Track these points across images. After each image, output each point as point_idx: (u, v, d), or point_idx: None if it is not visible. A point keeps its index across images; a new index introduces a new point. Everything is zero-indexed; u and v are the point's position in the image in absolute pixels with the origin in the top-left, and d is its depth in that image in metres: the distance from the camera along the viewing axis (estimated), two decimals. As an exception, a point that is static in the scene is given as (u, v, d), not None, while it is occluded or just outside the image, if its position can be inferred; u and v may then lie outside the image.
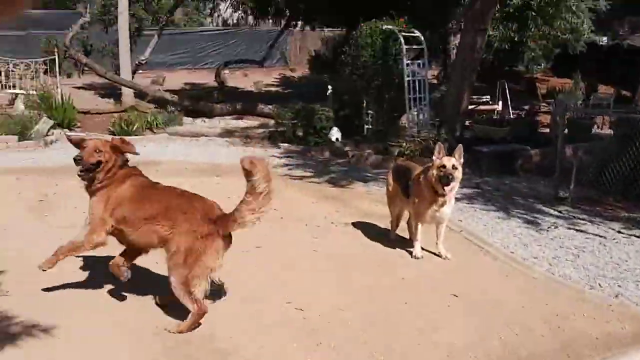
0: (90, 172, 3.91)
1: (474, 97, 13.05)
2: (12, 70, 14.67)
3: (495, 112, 14.69)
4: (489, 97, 15.51)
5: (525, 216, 6.78)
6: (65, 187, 7.40)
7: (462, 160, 5.01)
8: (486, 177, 9.23)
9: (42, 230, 5.71)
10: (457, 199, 7.50)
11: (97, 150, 3.94)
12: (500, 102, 15.24)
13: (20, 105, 12.74)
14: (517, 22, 13.76)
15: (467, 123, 11.59)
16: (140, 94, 15.55)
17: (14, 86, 14.46)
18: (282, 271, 4.85)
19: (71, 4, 28.02)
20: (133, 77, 16.65)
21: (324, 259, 5.17)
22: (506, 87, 15.35)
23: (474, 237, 5.91)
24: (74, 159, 3.91)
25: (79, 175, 3.92)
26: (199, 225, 3.74)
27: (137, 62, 17.17)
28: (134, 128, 12.12)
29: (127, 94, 15.84)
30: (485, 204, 7.40)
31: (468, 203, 7.39)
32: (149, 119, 12.76)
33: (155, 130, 12.63)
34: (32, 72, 14.98)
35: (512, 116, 14.02)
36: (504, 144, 10.57)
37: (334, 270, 4.90)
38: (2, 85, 14.63)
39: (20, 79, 14.73)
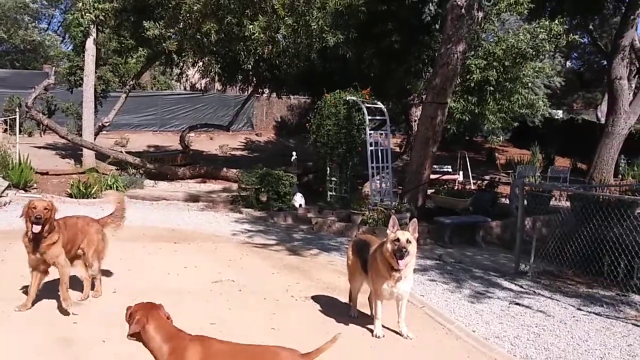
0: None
1: (435, 166, 13.29)
2: (-30, 128, 14.35)
3: (457, 182, 14.95)
4: (450, 167, 15.82)
5: (487, 292, 6.73)
6: (15, 251, 7.07)
7: (416, 234, 4.95)
8: (448, 249, 9.25)
9: None
10: (419, 272, 7.49)
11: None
12: (461, 172, 15.55)
13: (-25, 165, 12.36)
14: (477, 95, 14.26)
15: (428, 192, 11.71)
16: (101, 156, 15.33)
17: (-30, 144, 14.07)
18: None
19: (39, 65, 27.95)
20: (96, 138, 16.46)
21: (282, 339, 4.96)
22: (467, 157, 15.72)
23: (435, 314, 5.81)
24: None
25: None
26: None
27: (100, 124, 17.02)
28: (92, 191, 11.85)
29: (88, 155, 15.63)
30: (447, 278, 7.34)
31: (429, 278, 7.32)
32: (109, 182, 12.52)
33: (114, 194, 12.36)
34: (-10, 130, 14.67)
35: (472, 186, 14.27)
36: (465, 215, 10.68)
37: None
38: (-43, 143, 14.22)
39: (-21, 137, 14.39)
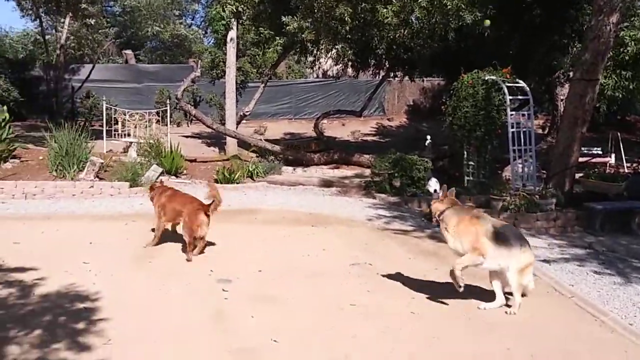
0: None
1: (583, 148, 12.31)
2: (128, 120, 15.78)
3: (608, 164, 13.77)
4: (600, 149, 14.60)
5: (646, 283, 6.14)
6: (170, 232, 7.69)
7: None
8: (600, 237, 8.56)
9: (143, 277, 5.90)
10: (567, 260, 7.03)
11: None
12: (613, 155, 14.30)
13: (133, 153, 13.60)
14: (632, 70, 12.98)
15: (577, 177, 10.90)
16: (243, 144, 16.16)
17: (128, 134, 15.53)
18: (377, 333, 4.64)
19: (184, 59, 30.03)
20: (237, 127, 17.38)
21: (424, 324, 4.91)
22: (619, 138, 14.41)
23: (586, 305, 5.40)
24: None
25: None
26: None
27: (241, 114, 17.94)
28: (236, 176, 12.52)
29: (231, 143, 16.54)
30: (599, 266, 6.80)
31: (579, 265, 6.83)
32: (250, 168, 13.17)
33: (255, 179, 12.99)
34: (145, 122, 16.04)
35: (627, 170, 13.06)
36: (619, 200, 9.80)
37: (431, 336, 4.62)
38: (118, 134, 15.75)
39: (135, 127, 15.80)
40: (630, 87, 13.00)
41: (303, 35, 13.11)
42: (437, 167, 12.57)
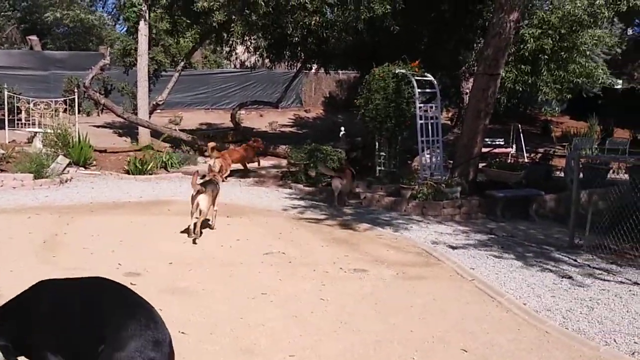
0: None
1: (487, 139, 13.01)
2: (33, 109, 14.98)
3: (509, 155, 14.61)
4: (502, 140, 15.46)
5: (539, 265, 6.62)
6: (76, 226, 7.43)
7: None
8: (501, 223, 9.11)
9: (45, 272, 5.67)
10: (470, 246, 7.45)
11: None
12: (514, 145, 15.17)
13: (38, 144, 12.94)
14: (531, 65, 13.81)
15: (480, 166, 11.51)
16: (156, 134, 15.77)
17: (33, 124, 14.74)
18: (287, 320, 4.74)
19: (94, 47, 28.77)
20: (150, 117, 16.91)
21: (331, 309, 5.06)
22: (520, 129, 15.31)
23: (485, 287, 5.77)
24: None
25: None
26: None
27: (154, 103, 17.47)
28: (148, 167, 12.22)
29: (144, 133, 16.09)
30: (498, 251, 7.25)
31: (481, 250, 7.26)
32: (164, 159, 12.88)
33: (169, 170, 12.73)
34: (51, 111, 15.28)
35: (526, 160, 13.92)
36: (518, 188, 10.46)
37: (339, 321, 4.79)
38: (22, 124, 14.91)
39: (41, 117, 15.02)
40: (529, 81, 13.83)
41: (214, 18, 12.88)
42: (351, 158, 12.86)
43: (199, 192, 7.06)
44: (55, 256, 6.23)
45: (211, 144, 12.62)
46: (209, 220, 7.77)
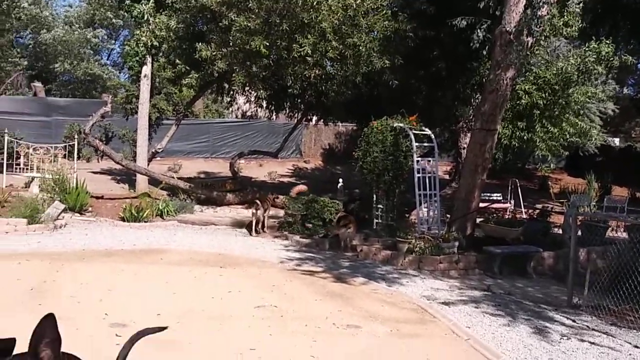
0: None
1: (485, 194, 12.99)
2: (32, 154, 15.03)
3: (507, 210, 14.56)
4: (500, 195, 15.45)
5: (537, 324, 6.46)
6: (66, 273, 7.30)
7: None
8: (498, 279, 8.98)
9: (28, 321, 5.52)
10: (466, 302, 7.29)
11: None
12: (512, 201, 15.14)
13: (35, 189, 12.92)
14: (526, 120, 13.96)
15: (478, 221, 11.45)
16: (154, 181, 15.78)
17: (31, 169, 14.75)
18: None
19: (97, 94, 29.26)
20: (149, 164, 16.96)
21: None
22: (518, 185, 15.32)
23: (481, 347, 5.59)
24: None
25: None
26: None
27: (153, 150, 17.56)
28: (144, 214, 12.16)
29: (141, 181, 16.10)
30: (495, 309, 7.09)
31: (477, 307, 7.10)
32: (160, 206, 12.85)
33: (165, 218, 12.66)
34: (51, 156, 15.33)
35: (524, 215, 13.86)
36: (516, 244, 10.36)
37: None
38: (20, 168, 14.93)
39: (40, 162, 15.06)
40: (525, 137, 13.93)
41: (216, 66, 13.07)
42: (348, 210, 12.80)
43: None
44: (41, 304, 6.06)
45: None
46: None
